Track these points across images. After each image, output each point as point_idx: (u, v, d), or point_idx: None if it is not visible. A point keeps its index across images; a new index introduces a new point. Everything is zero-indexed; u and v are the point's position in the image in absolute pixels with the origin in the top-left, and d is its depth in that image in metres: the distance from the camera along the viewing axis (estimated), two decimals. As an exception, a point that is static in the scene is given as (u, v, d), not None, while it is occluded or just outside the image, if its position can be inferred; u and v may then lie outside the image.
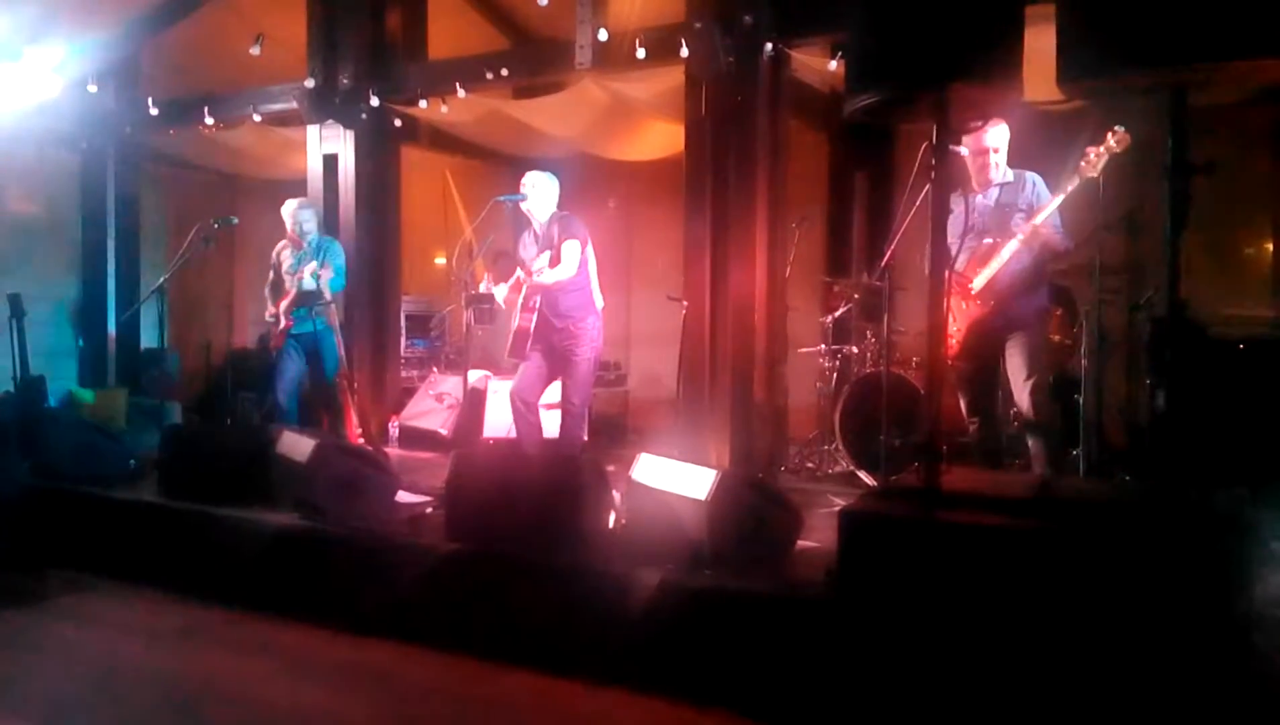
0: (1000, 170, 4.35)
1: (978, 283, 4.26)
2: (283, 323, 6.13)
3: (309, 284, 6.00)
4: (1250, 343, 4.26)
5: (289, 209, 6.21)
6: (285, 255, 6.28)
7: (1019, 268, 4.24)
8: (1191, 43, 2.38)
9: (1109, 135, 3.97)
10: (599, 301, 5.25)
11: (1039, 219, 4.12)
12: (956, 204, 4.41)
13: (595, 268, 5.23)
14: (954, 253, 4.36)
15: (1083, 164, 4.01)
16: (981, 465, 4.37)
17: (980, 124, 4.12)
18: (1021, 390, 4.24)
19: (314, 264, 6.02)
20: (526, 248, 5.31)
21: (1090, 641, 2.48)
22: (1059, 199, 4.10)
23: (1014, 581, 2.59)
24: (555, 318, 5.12)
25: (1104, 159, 3.97)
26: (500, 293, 5.31)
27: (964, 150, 4.26)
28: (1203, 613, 2.38)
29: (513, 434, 5.44)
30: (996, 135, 4.30)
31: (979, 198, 4.39)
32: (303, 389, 6.32)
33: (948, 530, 2.72)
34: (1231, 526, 2.52)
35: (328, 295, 6.06)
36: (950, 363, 4.38)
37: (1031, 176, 4.34)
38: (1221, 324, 4.40)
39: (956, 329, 4.30)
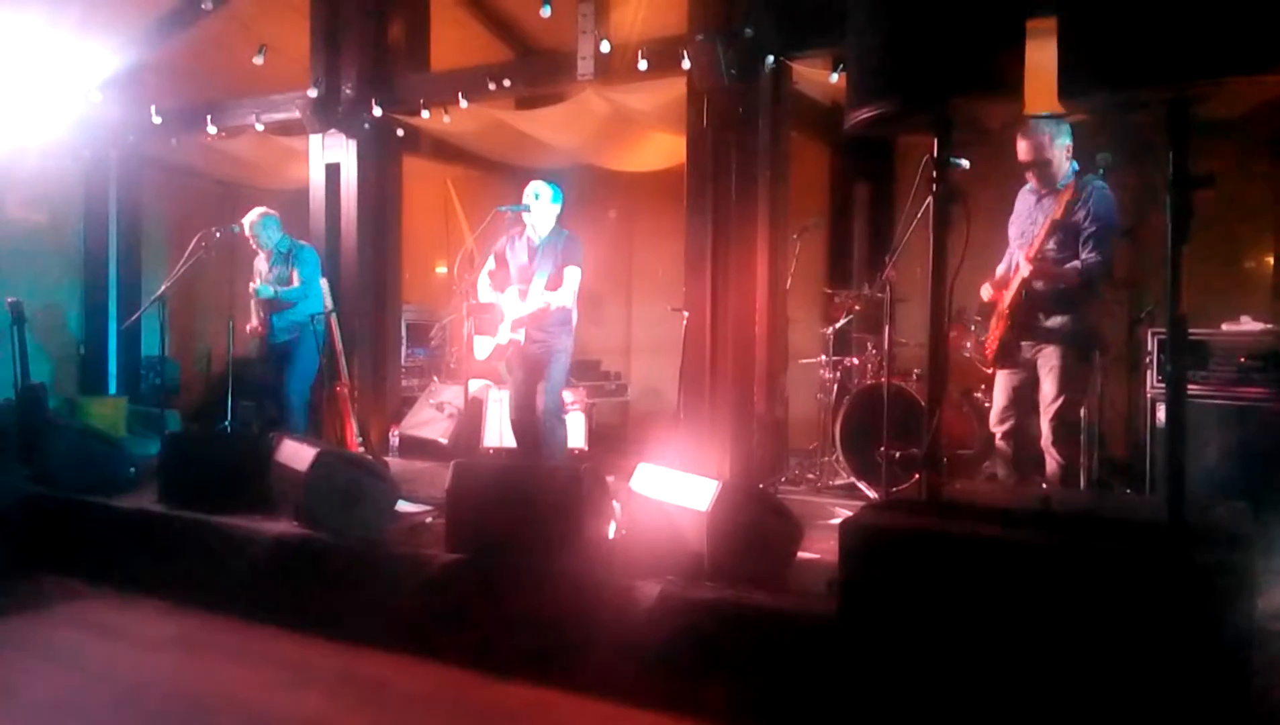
0: (1062, 174, 4.13)
1: (1006, 297, 4.18)
2: (252, 323, 6.23)
3: (265, 292, 6.08)
4: (1251, 355, 4.25)
5: (246, 222, 6.23)
6: (261, 263, 6.36)
7: (1043, 288, 4.10)
8: (1193, 59, 2.38)
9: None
10: (575, 319, 5.28)
11: (1032, 250, 4.00)
12: (1022, 199, 4.34)
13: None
14: (1009, 254, 4.36)
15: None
16: (1001, 474, 4.34)
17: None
18: (1045, 411, 4.12)
19: (278, 269, 6.12)
20: (516, 253, 5.29)
21: (1092, 655, 2.47)
22: (1046, 225, 3.98)
23: (1015, 595, 2.58)
24: (535, 330, 5.14)
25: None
26: (484, 346, 5.27)
27: (965, 162, 4.20)
28: (1203, 629, 2.37)
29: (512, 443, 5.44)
30: (1058, 137, 4.08)
31: (1034, 202, 4.25)
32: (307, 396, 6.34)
33: (948, 543, 2.71)
34: (1233, 541, 2.52)
35: (298, 304, 6.12)
36: (985, 367, 4.33)
37: (1094, 187, 4.06)
38: (1223, 336, 4.38)
39: (993, 336, 4.25)
